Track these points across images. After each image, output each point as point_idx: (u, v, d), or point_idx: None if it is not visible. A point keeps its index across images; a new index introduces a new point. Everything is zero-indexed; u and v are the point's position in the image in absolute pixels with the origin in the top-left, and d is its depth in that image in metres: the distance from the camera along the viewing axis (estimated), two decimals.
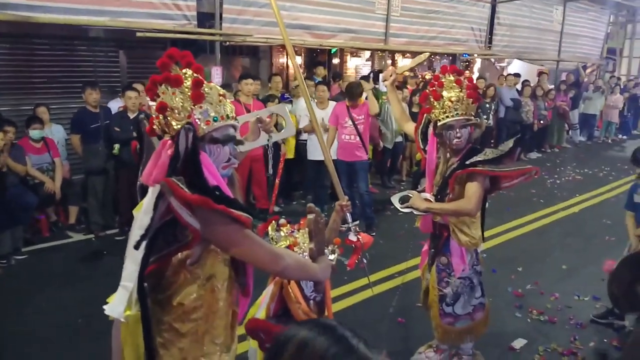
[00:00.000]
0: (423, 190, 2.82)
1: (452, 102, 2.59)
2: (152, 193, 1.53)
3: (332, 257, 2.15)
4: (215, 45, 6.84)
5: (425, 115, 2.80)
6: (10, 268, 4.66)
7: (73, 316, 3.74)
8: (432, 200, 2.71)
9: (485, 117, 8.90)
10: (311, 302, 2.12)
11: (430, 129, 2.76)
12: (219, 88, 1.61)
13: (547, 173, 8.71)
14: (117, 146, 5.25)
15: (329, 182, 5.42)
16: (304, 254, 1.96)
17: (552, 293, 4.26)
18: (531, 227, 6.07)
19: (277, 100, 6.13)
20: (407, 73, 8.07)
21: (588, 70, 14.00)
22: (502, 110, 9.59)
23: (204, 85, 1.54)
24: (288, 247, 2.05)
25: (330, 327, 0.90)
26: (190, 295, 1.58)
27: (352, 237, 2.41)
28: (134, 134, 5.04)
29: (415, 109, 7.08)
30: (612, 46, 15.77)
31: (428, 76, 9.53)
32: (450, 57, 11.44)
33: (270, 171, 6.06)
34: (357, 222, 2.57)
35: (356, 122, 5.49)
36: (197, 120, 1.53)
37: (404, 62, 10.81)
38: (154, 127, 1.59)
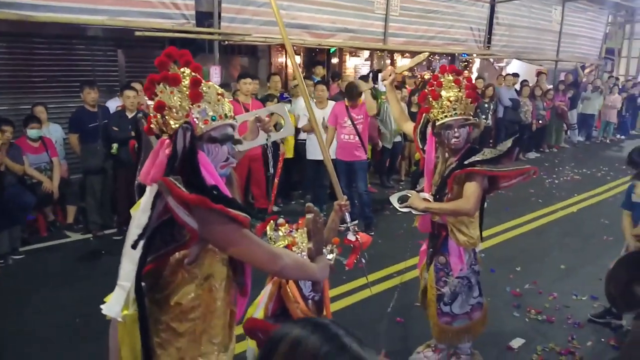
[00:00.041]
0: (422, 190, 2.82)
1: (450, 101, 2.59)
2: (149, 192, 1.52)
3: (330, 256, 2.15)
4: (213, 44, 6.83)
5: (424, 114, 2.80)
6: (8, 268, 4.65)
7: (71, 316, 3.73)
8: (430, 200, 2.71)
9: (484, 117, 8.90)
10: (310, 301, 2.13)
11: (429, 129, 2.76)
12: (217, 87, 1.61)
13: (546, 173, 8.72)
14: (115, 146, 5.24)
15: (328, 181, 5.41)
16: (303, 253, 1.96)
17: (550, 292, 4.26)
18: (530, 227, 6.08)
19: (276, 100, 6.13)
20: (405, 73, 8.08)
21: (587, 71, 14.02)
22: (501, 110, 9.60)
23: (202, 84, 1.54)
24: (286, 246, 2.05)
25: (323, 325, 0.90)
26: (187, 295, 1.57)
27: (351, 236, 2.41)
28: (132, 134, 5.03)
29: (414, 109, 7.08)
30: (611, 46, 15.80)
31: (427, 76, 9.53)
32: (449, 57, 11.45)
33: (271, 170, 6.06)
34: (356, 221, 2.56)
35: (355, 122, 5.49)
36: (195, 119, 1.52)
37: (403, 62, 10.81)
38: (152, 126, 1.58)
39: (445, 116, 2.60)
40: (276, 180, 6.10)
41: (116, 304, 1.55)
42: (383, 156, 7.63)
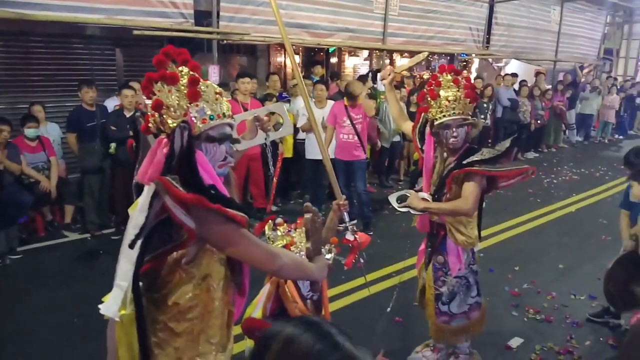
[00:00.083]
0: (420, 190, 2.81)
1: (449, 101, 2.58)
2: (147, 191, 1.51)
3: (329, 256, 2.15)
4: (212, 43, 6.82)
5: (423, 114, 2.80)
6: (6, 268, 4.63)
7: (69, 316, 3.72)
8: (429, 199, 2.70)
9: (482, 116, 8.91)
10: (308, 301, 2.12)
11: (428, 129, 2.76)
12: (215, 86, 1.60)
13: (544, 173, 8.73)
14: (113, 145, 5.23)
15: (327, 181, 5.42)
16: (301, 253, 1.95)
17: (549, 292, 4.27)
18: (528, 227, 6.09)
19: (274, 99, 6.13)
20: (404, 73, 8.08)
21: (585, 71, 14.04)
22: (500, 110, 9.61)
23: (200, 83, 1.53)
24: (285, 246, 2.04)
25: (315, 324, 0.90)
26: (185, 295, 1.57)
27: (349, 236, 2.41)
28: (130, 133, 5.02)
29: (413, 109, 7.08)
30: (609, 47, 15.83)
31: (426, 76, 9.53)
32: (448, 57, 11.46)
33: (271, 169, 6.05)
34: (355, 221, 2.56)
35: (354, 122, 5.49)
36: (193, 118, 1.52)
37: (402, 62, 10.82)
38: (150, 125, 1.57)
39: (444, 116, 2.60)
40: (275, 180, 6.10)
41: (114, 304, 1.54)
42: (382, 156, 7.63)
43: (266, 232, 2.13)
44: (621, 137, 13.27)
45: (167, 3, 6.14)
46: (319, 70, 8.00)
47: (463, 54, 10.99)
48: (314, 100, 6.12)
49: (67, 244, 5.29)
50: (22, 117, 5.29)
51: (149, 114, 1.56)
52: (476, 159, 2.57)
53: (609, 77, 13.83)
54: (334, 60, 10.44)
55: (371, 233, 5.39)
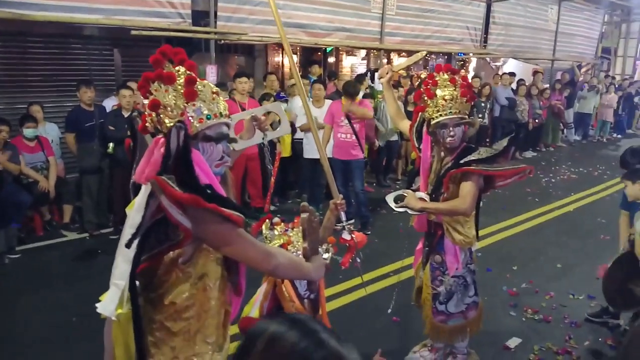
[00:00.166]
0: (418, 189, 2.81)
1: (445, 100, 2.58)
2: (144, 191, 1.51)
3: (326, 256, 2.15)
4: (210, 43, 6.82)
5: (420, 113, 2.80)
6: (4, 267, 4.63)
7: (68, 315, 3.72)
8: (426, 199, 2.70)
9: (480, 116, 8.92)
10: (305, 300, 2.12)
11: (425, 128, 2.76)
12: (212, 86, 1.60)
13: (542, 172, 8.74)
14: (111, 145, 5.23)
15: (325, 180, 5.41)
16: (298, 252, 1.95)
17: (547, 292, 4.27)
18: (526, 226, 6.09)
19: (272, 99, 6.12)
20: (401, 72, 8.08)
21: (583, 70, 14.05)
22: (497, 109, 9.61)
23: (197, 82, 1.53)
24: (282, 245, 2.04)
25: (300, 321, 0.90)
26: (182, 294, 1.57)
27: (346, 235, 2.41)
28: (128, 132, 5.02)
29: (410, 108, 7.08)
30: (607, 45, 15.85)
31: (423, 75, 9.54)
32: (446, 56, 11.46)
33: (269, 167, 6.04)
34: (352, 220, 2.56)
35: (352, 121, 5.49)
36: (190, 117, 1.52)
37: (399, 61, 10.81)
38: (147, 124, 1.57)
39: (441, 115, 2.60)
40: (272, 180, 6.09)
41: (111, 303, 1.54)
42: (379, 155, 7.64)
43: (263, 232, 2.13)
44: (619, 135, 13.29)
45: (165, 3, 6.14)
46: (316, 69, 7.99)
47: (461, 53, 10.99)
48: (311, 99, 6.12)
49: (65, 244, 5.29)
50: (21, 117, 5.30)
51: (146, 113, 1.56)
52: (473, 158, 2.57)
53: (607, 76, 13.85)
54: (331, 59, 10.44)
55: (369, 232, 5.41)
